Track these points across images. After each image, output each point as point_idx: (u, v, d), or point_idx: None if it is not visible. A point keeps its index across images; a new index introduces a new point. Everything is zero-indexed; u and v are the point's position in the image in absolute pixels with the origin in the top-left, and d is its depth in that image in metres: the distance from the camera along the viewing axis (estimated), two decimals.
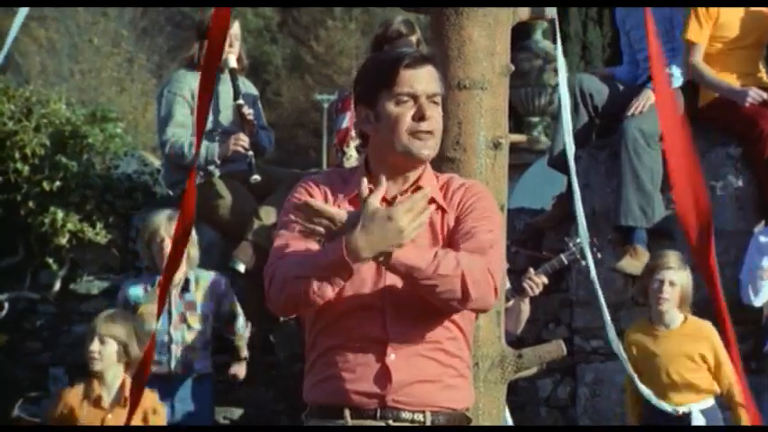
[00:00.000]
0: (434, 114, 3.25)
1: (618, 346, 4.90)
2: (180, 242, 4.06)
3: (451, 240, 3.22)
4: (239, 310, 6.30)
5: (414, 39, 6.59)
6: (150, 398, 5.42)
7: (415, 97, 3.24)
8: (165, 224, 6.06)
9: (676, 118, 3.66)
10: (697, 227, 3.41)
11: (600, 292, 4.79)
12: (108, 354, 5.48)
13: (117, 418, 5.41)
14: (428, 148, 3.24)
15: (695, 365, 5.53)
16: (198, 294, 6.14)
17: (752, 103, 6.48)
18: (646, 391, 5.38)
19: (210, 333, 6.18)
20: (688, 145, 3.49)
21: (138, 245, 6.56)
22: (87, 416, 5.46)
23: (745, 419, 5.53)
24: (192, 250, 6.09)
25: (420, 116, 3.22)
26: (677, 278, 5.57)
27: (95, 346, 5.47)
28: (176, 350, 6.03)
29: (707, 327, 5.56)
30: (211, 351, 6.22)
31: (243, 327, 6.31)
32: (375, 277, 3.18)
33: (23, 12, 4.31)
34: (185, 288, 6.11)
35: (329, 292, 3.09)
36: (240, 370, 6.33)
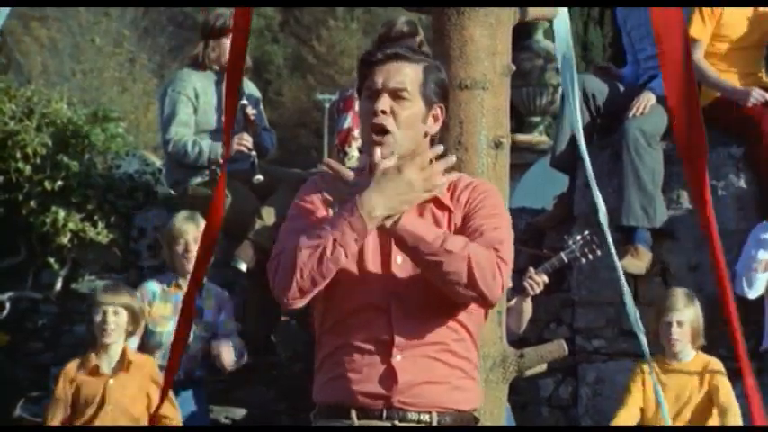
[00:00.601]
0: (397, 110, 3.17)
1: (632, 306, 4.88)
2: (207, 251, 4.08)
3: None
4: (235, 326, 6.15)
5: (417, 39, 6.58)
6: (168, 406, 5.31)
7: (376, 92, 3.19)
8: (187, 228, 6.02)
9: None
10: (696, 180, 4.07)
11: (616, 257, 4.81)
12: (121, 324, 5.43)
13: (118, 382, 5.38)
14: (384, 152, 3.12)
15: (702, 402, 5.59)
16: (207, 302, 6.10)
17: (754, 103, 6.49)
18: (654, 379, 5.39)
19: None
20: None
21: (162, 244, 6.40)
22: (88, 384, 5.39)
23: None
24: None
25: (373, 111, 3.18)
26: (685, 317, 5.64)
27: (111, 317, 5.40)
28: None
29: (715, 365, 5.63)
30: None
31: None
32: (381, 279, 3.16)
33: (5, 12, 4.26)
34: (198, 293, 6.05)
35: (342, 257, 3.04)
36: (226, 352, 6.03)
